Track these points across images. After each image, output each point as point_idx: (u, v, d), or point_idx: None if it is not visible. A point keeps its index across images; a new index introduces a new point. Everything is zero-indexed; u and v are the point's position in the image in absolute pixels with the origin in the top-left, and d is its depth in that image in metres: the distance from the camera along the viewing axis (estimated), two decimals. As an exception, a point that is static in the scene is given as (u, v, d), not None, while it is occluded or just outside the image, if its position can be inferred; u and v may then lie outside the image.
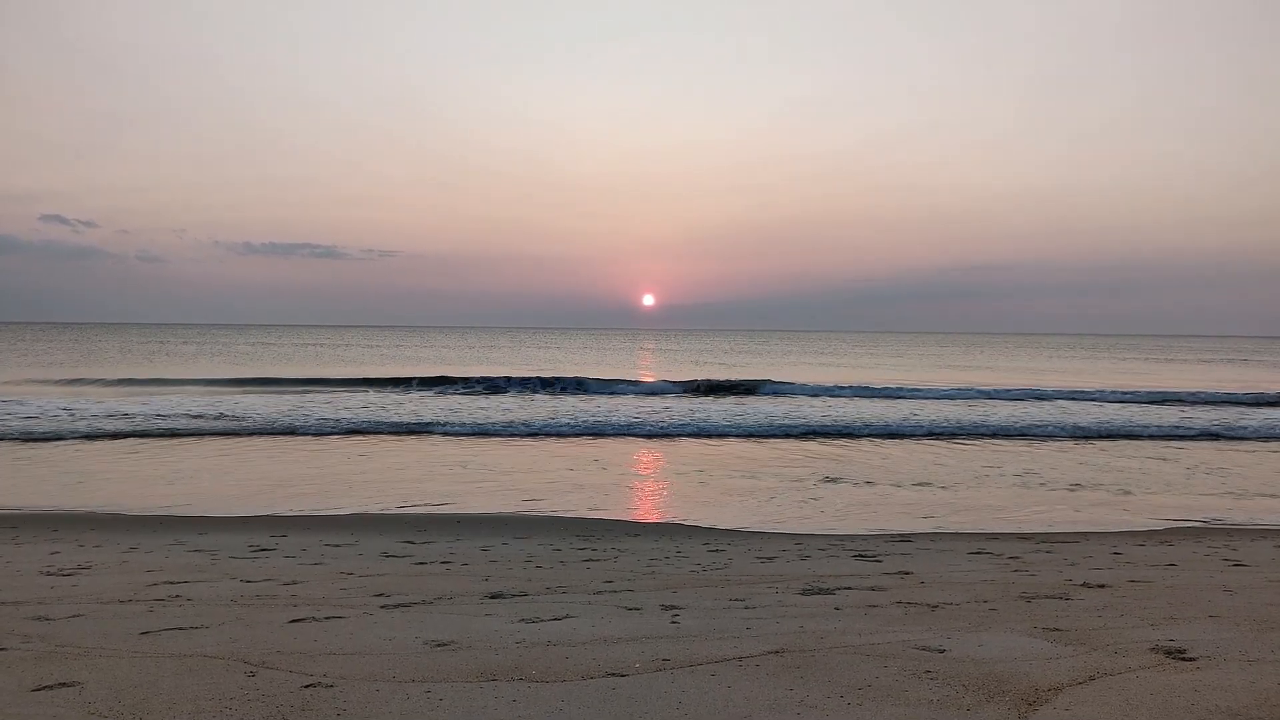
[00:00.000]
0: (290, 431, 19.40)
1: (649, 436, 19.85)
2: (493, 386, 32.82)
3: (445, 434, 19.64)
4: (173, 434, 18.68)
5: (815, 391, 32.67)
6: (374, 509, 10.99)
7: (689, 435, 20.01)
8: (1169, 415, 24.46)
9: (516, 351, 72.10)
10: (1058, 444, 19.17)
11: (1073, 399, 30.51)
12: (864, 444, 18.74)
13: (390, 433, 19.68)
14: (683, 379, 36.80)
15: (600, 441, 18.88)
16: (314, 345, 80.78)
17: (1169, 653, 4.26)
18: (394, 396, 28.76)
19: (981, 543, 8.77)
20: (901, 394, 31.89)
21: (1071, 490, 12.96)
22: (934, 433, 20.40)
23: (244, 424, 20.01)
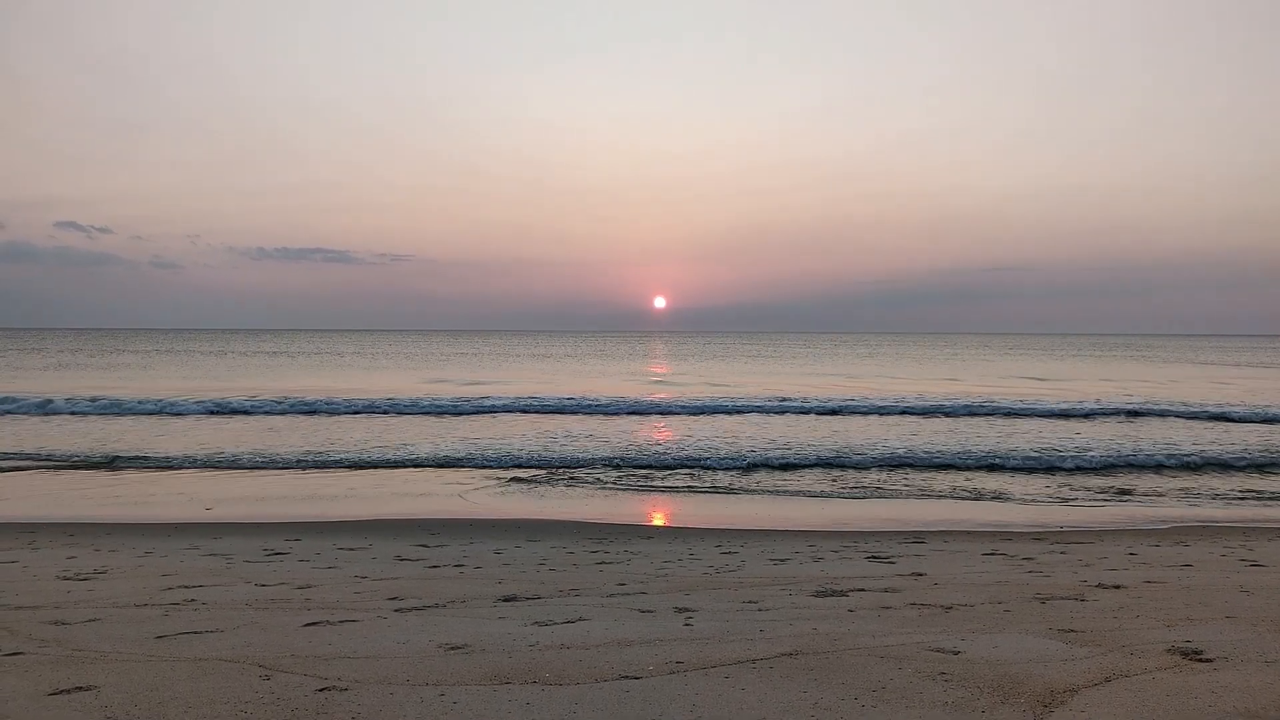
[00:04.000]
0: None
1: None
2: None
3: None
4: None
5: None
6: (387, 513, 11.02)
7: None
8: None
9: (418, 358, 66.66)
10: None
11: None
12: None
13: None
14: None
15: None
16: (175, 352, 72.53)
17: (1185, 654, 4.23)
18: None
19: (995, 543, 8.74)
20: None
21: None
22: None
23: None
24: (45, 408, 25.18)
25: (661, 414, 26.44)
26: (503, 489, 13.60)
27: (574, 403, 28.23)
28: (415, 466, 15.91)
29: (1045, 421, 23.93)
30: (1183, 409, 26.76)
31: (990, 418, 24.86)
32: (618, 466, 15.91)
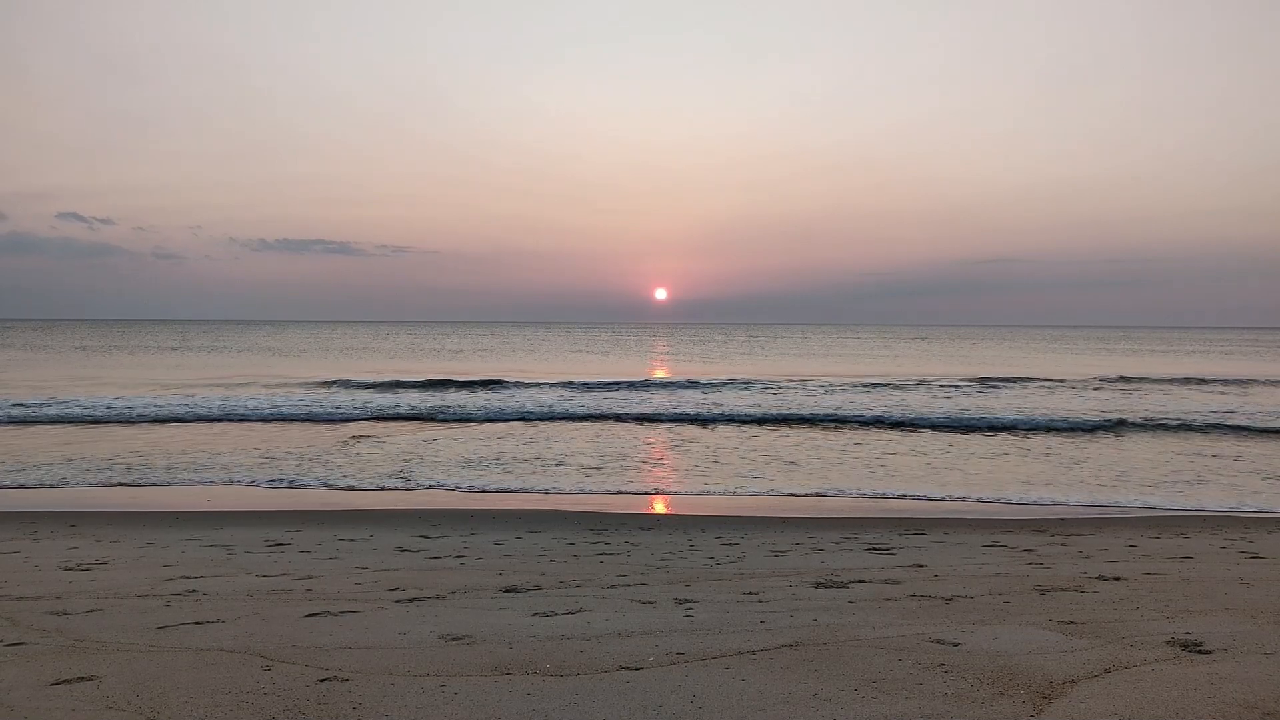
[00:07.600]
0: None
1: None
2: None
3: None
4: None
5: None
6: (389, 504, 11.03)
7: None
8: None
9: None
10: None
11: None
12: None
13: None
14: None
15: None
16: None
17: (1185, 645, 4.24)
18: None
19: (995, 535, 8.75)
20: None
21: None
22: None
23: None
24: None
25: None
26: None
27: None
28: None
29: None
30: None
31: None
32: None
